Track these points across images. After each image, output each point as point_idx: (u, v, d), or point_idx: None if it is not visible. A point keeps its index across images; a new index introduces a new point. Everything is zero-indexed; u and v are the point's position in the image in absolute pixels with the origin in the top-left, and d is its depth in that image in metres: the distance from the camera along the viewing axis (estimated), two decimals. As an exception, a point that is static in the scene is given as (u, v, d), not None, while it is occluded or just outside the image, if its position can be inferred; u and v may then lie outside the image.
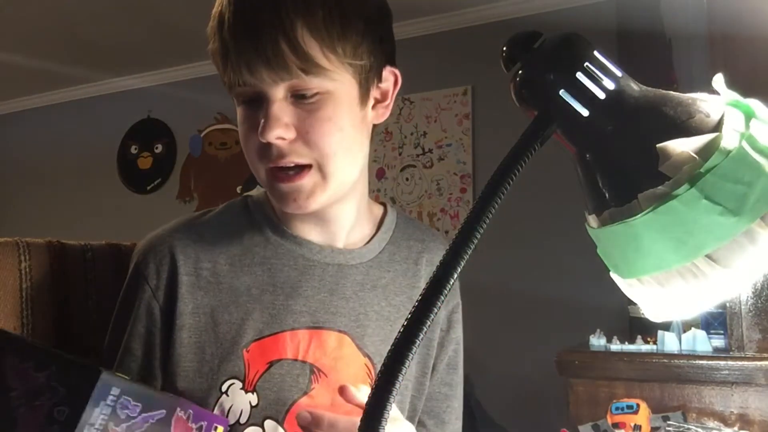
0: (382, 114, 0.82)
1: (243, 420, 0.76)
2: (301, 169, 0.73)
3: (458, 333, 0.93)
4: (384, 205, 0.93)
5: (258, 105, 0.73)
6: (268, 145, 0.72)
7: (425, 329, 0.39)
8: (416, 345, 0.38)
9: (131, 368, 0.76)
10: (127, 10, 3.09)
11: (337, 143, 0.74)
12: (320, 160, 0.73)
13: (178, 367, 0.76)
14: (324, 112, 0.72)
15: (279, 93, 0.71)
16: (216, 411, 0.76)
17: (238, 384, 0.76)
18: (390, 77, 0.81)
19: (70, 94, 4.18)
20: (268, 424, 0.76)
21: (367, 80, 0.76)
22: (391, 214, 0.91)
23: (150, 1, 3.01)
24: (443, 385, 0.91)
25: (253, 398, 0.76)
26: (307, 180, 0.73)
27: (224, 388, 0.76)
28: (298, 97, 0.72)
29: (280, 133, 0.71)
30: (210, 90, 3.69)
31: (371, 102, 0.79)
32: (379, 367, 0.80)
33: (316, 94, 0.72)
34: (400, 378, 0.39)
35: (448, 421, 0.92)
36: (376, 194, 3.18)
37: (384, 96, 0.81)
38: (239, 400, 0.76)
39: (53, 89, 4.17)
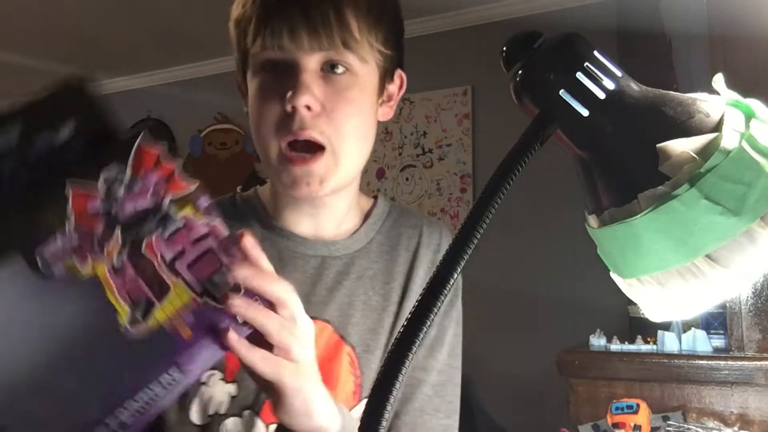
0: (387, 114, 0.84)
1: (222, 411, 0.76)
2: (315, 152, 0.74)
3: (448, 319, 0.88)
4: (376, 197, 0.93)
5: (283, 73, 0.74)
6: (291, 115, 0.72)
7: (426, 328, 0.39)
8: (416, 344, 0.38)
9: None
10: (128, 10, 3.09)
11: (355, 127, 0.76)
12: (336, 142, 0.74)
13: None
14: (350, 93, 0.75)
15: (312, 63, 0.73)
16: (195, 402, 0.75)
17: (218, 374, 0.76)
18: (398, 80, 0.85)
19: (70, 94, 4.18)
20: (246, 414, 0.76)
21: (385, 74, 0.80)
22: (382, 206, 0.91)
23: (150, 1, 3.01)
24: (417, 369, 0.84)
25: (232, 389, 0.76)
26: (321, 164, 0.74)
27: (204, 378, 0.76)
28: (327, 70, 0.74)
29: (310, 100, 0.72)
30: (210, 90, 3.70)
31: (383, 98, 0.82)
32: (363, 356, 0.81)
33: (346, 71, 0.75)
34: (401, 377, 0.39)
35: (420, 408, 0.84)
36: (375, 194, 3.18)
37: (390, 97, 0.84)
38: (219, 390, 0.76)
39: (53, 89, 4.16)
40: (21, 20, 3.18)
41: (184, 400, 0.76)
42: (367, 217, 0.89)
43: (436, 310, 0.39)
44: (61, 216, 0.43)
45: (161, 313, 0.47)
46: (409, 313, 0.39)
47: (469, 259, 0.39)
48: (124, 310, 0.46)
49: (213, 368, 0.75)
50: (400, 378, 0.39)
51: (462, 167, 3.09)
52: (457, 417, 0.87)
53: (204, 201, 0.48)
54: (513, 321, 2.83)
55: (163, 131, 3.92)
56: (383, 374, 0.38)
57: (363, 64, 0.76)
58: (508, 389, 2.77)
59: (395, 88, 0.85)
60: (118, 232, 0.45)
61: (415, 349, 0.38)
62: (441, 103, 3.15)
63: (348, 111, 0.75)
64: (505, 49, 0.45)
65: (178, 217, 0.47)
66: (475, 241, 0.40)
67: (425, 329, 0.39)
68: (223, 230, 0.49)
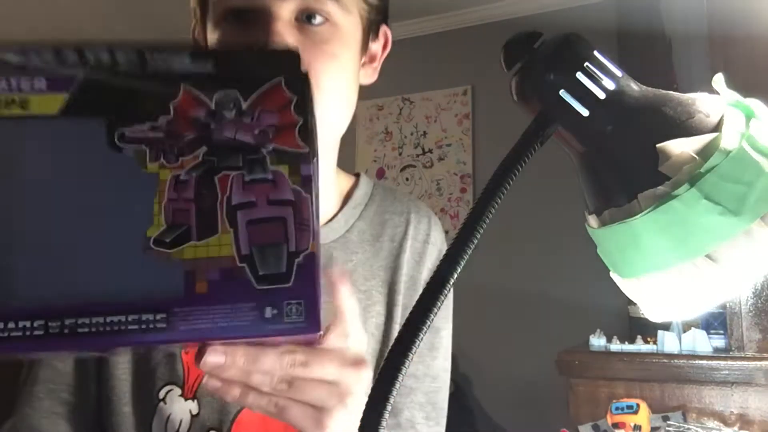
0: (370, 76, 0.75)
1: (183, 430, 0.68)
2: None
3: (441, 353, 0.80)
4: (357, 176, 0.82)
5: (252, 23, 0.63)
6: None
7: (423, 333, 0.38)
8: (414, 349, 0.38)
9: (61, 371, 0.69)
10: (127, 10, 3.09)
11: (335, 86, 0.66)
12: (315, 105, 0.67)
13: (115, 369, 0.69)
14: (330, 47, 0.65)
15: (285, 11, 0.63)
16: (154, 421, 0.68)
17: (177, 390, 0.68)
18: (382, 38, 0.75)
19: (70, 94, 4.18)
20: None
21: (369, 28, 0.71)
22: (365, 186, 0.81)
23: (150, 1, 3.01)
24: (409, 377, 0.76)
25: (193, 406, 0.68)
26: None
27: (161, 395, 0.68)
28: (303, 20, 0.64)
29: None
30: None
31: (365, 58, 0.72)
32: None
33: (325, 21, 0.65)
34: (399, 382, 0.39)
35: (411, 419, 0.76)
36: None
37: (373, 57, 0.74)
38: (178, 408, 0.68)
39: (53, 89, 4.17)
40: (21, 20, 3.18)
41: (143, 418, 0.68)
42: (347, 199, 0.78)
43: (436, 310, 0.39)
44: (162, 106, 0.41)
45: (190, 251, 0.41)
46: (407, 317, 0.39)
47: (469, 259, 0.39)
48: (158, 225, 0.41)
49: (171, 383, 0.68)
50: (397, 384, 0.38)
51: (462, 167, 3.09)
52: (444, 420, 0.80)
53: (307, 169, 0.42)
54: (513, 321, 2.83)
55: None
56: (380, 380, 0.38)
57: (345, 14, 0.66)
58: (508, 389, 2.78)
59: (379, 47, 0.75)
60: (203, 149, 0.41)
61: (413, 352, 0.38)
62: (441, 103, 3.15)
63: (328, 67, 0.64)
64: (505, 49, 0.45)
65: (270, 169, 0.42)
66: (475, 241, 0.40)
67: (425, 331, 0.39)
68: (310, 208, 0.42)
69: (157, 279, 0.40)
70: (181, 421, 0.68)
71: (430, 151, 3.16)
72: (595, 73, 0.42)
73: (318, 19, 0.64)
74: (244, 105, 0.42)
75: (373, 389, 0.39)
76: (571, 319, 2.56)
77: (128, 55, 0.41)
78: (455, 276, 0.39)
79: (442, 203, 3.11)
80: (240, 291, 0.41)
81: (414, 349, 0.38)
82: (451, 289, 0.84)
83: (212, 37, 0.67)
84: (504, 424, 2.81)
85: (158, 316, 0.40)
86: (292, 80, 0.43)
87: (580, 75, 0.42)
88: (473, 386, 2.80)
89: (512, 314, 2.82)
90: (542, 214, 2.78)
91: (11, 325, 0.38)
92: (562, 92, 0.42)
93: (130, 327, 0.40)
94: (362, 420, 0.38)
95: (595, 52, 0.43)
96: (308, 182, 0.42)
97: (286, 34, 0.62)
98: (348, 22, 0.67)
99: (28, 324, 0.38)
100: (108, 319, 0.39)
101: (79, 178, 0.41)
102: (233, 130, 0.42)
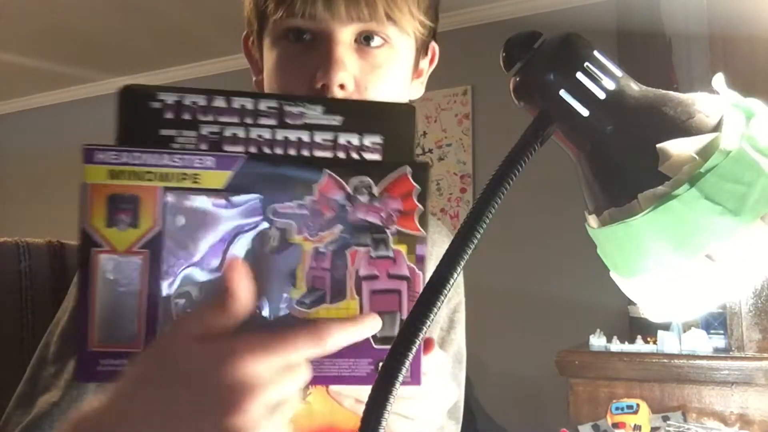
0: (419, 90, 0.77)
1: None
2: None
3: (459, 334, 0.87)
4: None
5: (312, 44, 0.65)
6: (321, 93, 0.64)
7: (424, 331, 0.39)
8: (414, 347, 0.38)
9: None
10: (127, 10, 3.09)
11: None
12: None
13: None
14: (387, 70, 0.67)
15: (347, 35, 0.64)
16: None
17: None
18: (430, 53, 0.78)
19: (70, 94, 4.18)
20: None
21: (420, 48, 0.72)
22: None
23: (150, 1, 3.01)
24: None
25: None
26: None
27: None
28: (362, 42, 0.66)
29: (345, 78, 0.64)
30: (210, 90, 3.70)
31: (414, 74, 0.74)
32: None
33: (384, 44, 0.66)
34: (399, 380, 0.39)
35: None
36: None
37: (421, 72, 0.77)
38: None
39: (53, 89, 4.17)
40: (21, 20, 3.18)
41: None
42: None
43: (435, 310, 0.39)
44: (309, 189, 0.47)
45: (324, 312, 0.49)
46: (408, 314, 0.39)
47: (470, 259, 0.39)
48: (300, 289, 0.48)
49: None
50: (397, 384, 0.38)
51: (462, 167, 3.09)
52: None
53: (421, 250, 0.50)
54: (513, 321, 2.83)
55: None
56: (380, 380, 0.38)
57: (401, 38, 0.67)
58: (508, 389, 2.78)
59: (426, 62, 0.77)
60: (339, 227, 0.49)
61: (413, 352, 0.38)
62: (441, 103, 3.15)
63: (384, 90, 0.66)
64: (505, 49, 0.45)
65: (392, 248, 0.50)
66: (475, 241, 0.40)
67: (424, 331, 0.39)
68: (421, 283, 0.50)
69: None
70: None
71: (430, 151, 3.16)
72: (595, 73, 0.42)
73: (376, 41, 0.66)
74: (375, 191, 0.49)
75: (373, 389, 0.39)
76: (571, 319, 2.56)
77: (269, 104, 0.49)
78: (455, 276, 0.39)
79: (442, 203, 3.11)
80: (361, 348, 0.49)
81: (414, 349, 0.38)
82: (463, 306, 0.82)
83: (270, 53, 0.68)
84: (504, 424, 2.81)
85: None
86: (417, 171, 0.50)
87: (580, 75, 0.42)
88: (473, 386, 2.80)
89: (512, 314, 2.82)
90: (542, 214, 2.78)
91: None
92: (562, 92, 0.42)
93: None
94: (362, 420, 0.38)
95: (595, 52, 0.43)
96: (422, 261, 0.50)
97: (346, 59, 0.64)
98: (404, 45, 0.68)
99: None
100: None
101: (237, 243, 0.48)
102: (365, 212, 0.49)
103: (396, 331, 0.49)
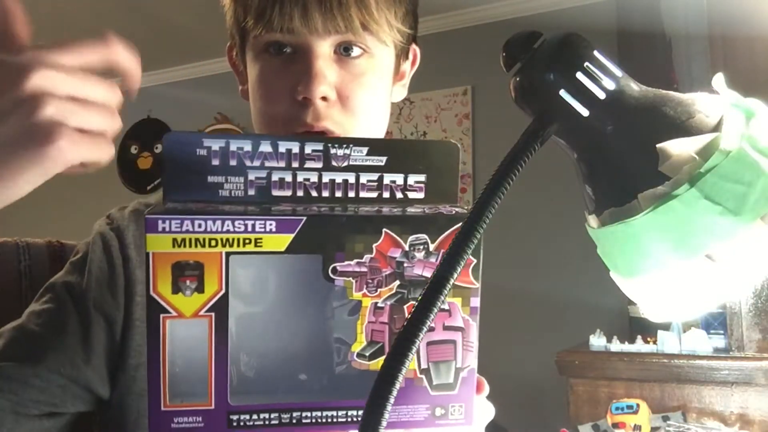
0: (401, 93, 0.79)
1: None
2: None
3: None
4: None
5: (292, 58, 0.67)
6: (304, 105, 0.66)
7: (424, 330, 0.39)
8: (415, 346, 0.38)
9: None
10: (127, 10, 3.09)
11: (374, 112, 0.70)
12: (351, 131, 0.68)
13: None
14: (367, 79, 0.68)
15: (325, 47, 0.66)
16: None
17: None
18: (411, 55, 0.79)
19: (70, 94, 4.18)
20: None
21: (401, 53, 0.74)
22: None
23: (150, 1, 3.01)
24: None
25: None
26: None
27: None
28: (341, 53, 0.67)
29: (326, 91, 0.66)
30: (210, 90, 3.70)
31: (396, 78, 0.76)
32: None
33: (363, 54, 0.68)
34: (399, 380, 0.39)
35: None
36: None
37: (403, 75, 0.78)
38: None
39: (53, 89, 4.16)
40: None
41: None
42: None
43: (436, 310, 0.39)
44: (367, 248, 0.49)
45: None
46: (409, 314, 0.39)
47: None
48: (360, 342, 0.51)
49: None
50: (397, 385, 0.38)
51: (462, 167, 3.09)
52: None
53: (475, 302, 0.53)
54: (513, 321, 2.83)
55: (163, 131, 3.92)
56: (380, 380, 0.38)
57: (380, 47, 0.69)
58: (508, 389, 2.77)
59: (408, 65, 0.78)
60: (396, 282, 0.50)
61: (413, 352, 0.38)
62: (441, 103, 3.15)
63: (365, 98, 0.68)
64: (505, 49, 0.45)
65: (448, 300, 0.52)
66: (475, 241, 0.40)
67: (424, 331, 0.39)
68: (474, 333, 0.53)
69: (360, 384, 0.50)
70: None
71: (430, 151, 3.16)
72: (595, 73, 0.42)
73: (356, 51, 0.68)
74: (431, 247, 0.51)
75: (373, 389, 0.39)
76: (571, 319, 2.56)
77: (315, 147, 0.50)
78: (455, 276, 0.39)
79: (442, 203, 3.11)
80: (419, 395, 0.52)
81: (413, 349, 0.38)
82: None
83: (253, 66, 0.70)
84: (504, 424, 2.80)
85: (359, 412, 0.50)
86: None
87: (580, 75, 0.42)
88: (473, 386, 2.80)
89: (512, 314, 2.82)
90: (542, 214, 2.78)
91: (255, 416, 0.49)
92: (562, 92, 0.42)
93: (339, 420, 0.51)
94: (362, 420, 0.38)
95: (595, 52, 0.43)
96: (475, 312, 0.53)
97: (326, 71, 0.66)
98: (383, 52, 0.70)
99: (267, 416, 0.49)
100: (324, 413, 0.50)
101: (300, 301, 0.52)
102: (421, 268, 0.51)
103: (451, 378, 0.52)
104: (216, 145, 0.49)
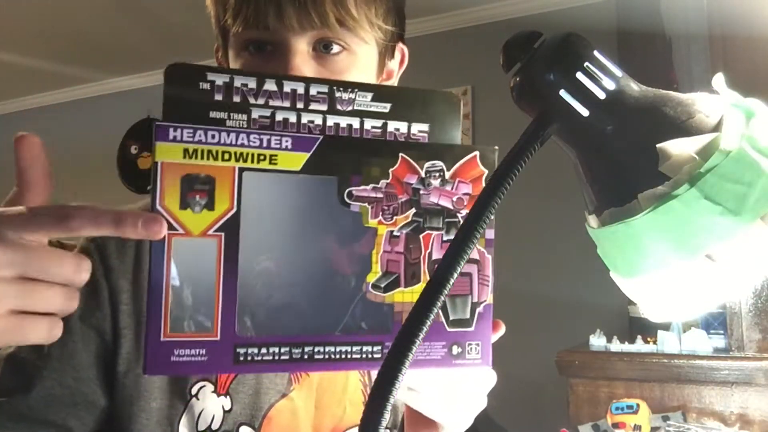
0: None
1: (215, 426, 0.70)
2: None
3: None
4: None
5: (271, 55, 0.67)
6: None
7: (425, 329, 0.39)
8: (415, 346, 0.38)
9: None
10: (127, 10, 3.09)
11: None
12: None
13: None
14: (348, 76, 0.68)
15: (302, 44, 0.66)
16: (185, 416, 0.69)
17: (210, 387, 0.70)
18: (398, 55, 0.78)
19: (70, 94, 4.18)
20: (243, 430, 0.70)
21: (385, 51, 0.73)
22: None
23: (150, 1, 3.01)
24: None
25: (226, 402, 0.70)
26: None
27: (194, 390, 0.70)
28: (321, 50, 0.67)
29: None
30: (210, 90, 3.69)
31: (382, 77, 0.75)
32: None
33: (342, 50, 0.68)
34: (400, 378, 0.39)
35: None
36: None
37: (390, 74, 0.78)
38: (210, 404, 0.70)
39: (53, 89, 4.16)
40: (21, 20, 3.18)
41: (171, 414, 0.69)
42: None
43: (435, 309, 0.39)
44: (384, 173, 0.48)
45: (400, 295, 0.49)
46: (409, 313, 0.39)
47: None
48: (375, 272, 0.48)
49: (204, 379, 0.70)
50: (397, 385, 0.38)
51: (462, 167, 3.09)
52: None
53: (491, 234, 0.51)
54: (513, 321, 2.81)
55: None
56: (380, 380, 0.38)
57: (360, 44, 0.68)
58: (508, 389, 2.77)
59: (396, 64, 0.77)
60: (412, 210, 0.49)
61: (413, 352, 0.38)
62: (441, 103, 3.14)
63: None
64: (505, 49, 0.45)
65: None
66: (475, 241, 0.40)
67: (423, 331, 0.39)
68: (490, 266, 0.52)
69: (375, 317, 0.49)
70: (213, 417, 0.70)
71: (430, 151, 3.16)
72: (595, 73, 0.42)
73: (335, 48, 0.67)
74: (447, 174, 0.50)
75: (373, 389, 0.39)
76: (571, 319, 2.56)
77: (320, 89, 0.49)
78: (455, 276, 0.39)
79: (442, 203, 3.11)
80: (435, 331, 0.50)
81: (413, 349, 0.38)
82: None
83: (234, 64, 0.70)
84: (504, 424, 2.80)
85: (374, 348, 0.49)
86: (485, 155, 0.51)
87: (580, 75, 0.42)
88: (473, 386, 2.79)
89: (512, 314, 2.81)
90: (542, 214, 2.78)
91: (263, 350, 0.46)
92: (562, 92, 0.42)
93: (353, 356, 0.48)
94: (362, 420, 0.38)
95: (595, 52, 0.43)
96: (491, 245, 0.51)
97: (303, 68, 0.66)
98: (364, 50, 0.69)
99: (276, 350, 0.46)
100: (338, 349, 0.48)
101: (313, 226, 0.49)
102: (437, 196, 0.50)
103: (468, 313, 0.51)
104: (220, 79, 0.46)
